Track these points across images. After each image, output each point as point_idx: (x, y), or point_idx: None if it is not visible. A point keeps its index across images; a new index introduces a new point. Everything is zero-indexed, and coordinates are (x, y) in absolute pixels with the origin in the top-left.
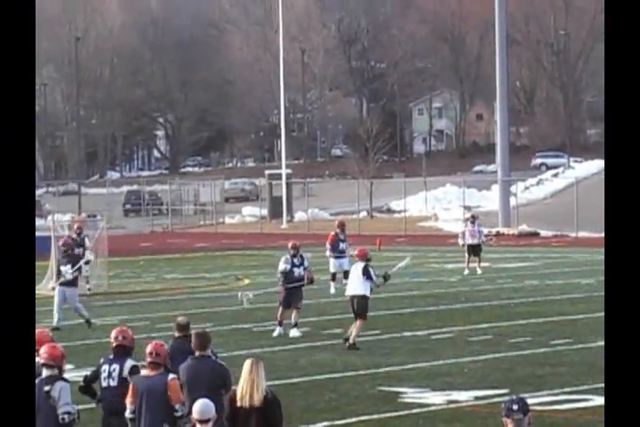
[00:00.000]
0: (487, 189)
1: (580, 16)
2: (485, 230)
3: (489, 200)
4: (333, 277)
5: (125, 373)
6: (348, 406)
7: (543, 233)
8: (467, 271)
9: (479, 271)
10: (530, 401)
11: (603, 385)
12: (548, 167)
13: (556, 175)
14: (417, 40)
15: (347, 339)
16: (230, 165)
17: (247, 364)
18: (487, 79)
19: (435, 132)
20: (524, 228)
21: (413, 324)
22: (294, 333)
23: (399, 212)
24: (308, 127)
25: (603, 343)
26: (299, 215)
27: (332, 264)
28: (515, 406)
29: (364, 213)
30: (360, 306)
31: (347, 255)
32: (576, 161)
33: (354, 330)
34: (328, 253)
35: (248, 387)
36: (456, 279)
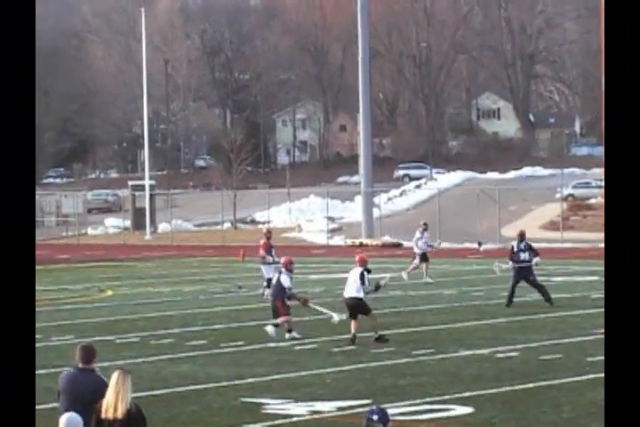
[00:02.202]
0: (351, 201)
1: (442, 29)
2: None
3: (352, 211)
4: (269, 283)
5: None
6: (211, 417)
7: (406, 244)
8: (429, 279)
9: (429, 280)
10: (391, 411)
11: (464, 395)
12: (411, 178)
13: (418, 186)
14: (280, 51)
15: (353, 339)
16: (93, 175)
17: (115, 375)
18: (350, 91)
19: (298, 143)
20: (388, 239)
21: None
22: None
23: (263, 223)
24: (172, 138)
25: (465, 353)
26: (162, 227)
27: (269, 270)
28: (374, 417)
29: (227, 225)
30: (359, 307)
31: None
32: (438, 172)
33: (371, 322)
34: (271, 259)
35: (113, 399)
36: (320, 290)
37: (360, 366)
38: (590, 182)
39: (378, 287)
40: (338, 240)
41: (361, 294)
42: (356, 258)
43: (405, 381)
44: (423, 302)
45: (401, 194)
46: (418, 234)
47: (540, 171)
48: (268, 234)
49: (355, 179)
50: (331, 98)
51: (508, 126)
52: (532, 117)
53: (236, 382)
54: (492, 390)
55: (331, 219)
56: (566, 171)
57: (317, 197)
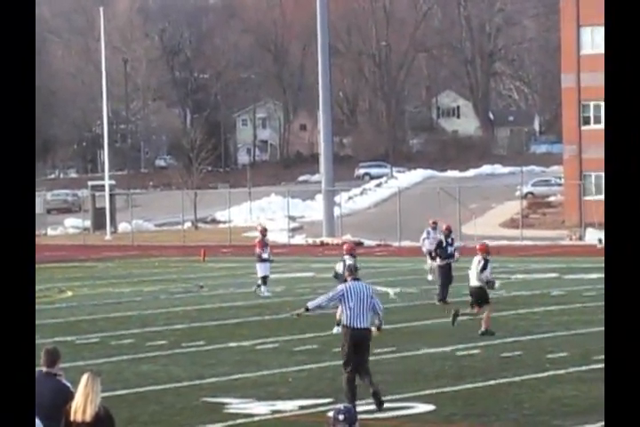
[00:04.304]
0: (311, 199)
1: (401, 28)
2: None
3: (313, 210)
4: (264, 280)
5: None
6: (173, 417)
7: (367, 242)
8: (430, 277)
9: (429, 277)
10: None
11: (425, 392)
12: (372, 177)
13: (379, 185)
14: (240, 50)
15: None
16: (52, 176)
17: (84, 378)
18: (310, 89)
19: (259, 142)
20: (349, 237)
21: (238, 334)
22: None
23: (224, 222)
24: (132, 138)
25: (426, 351)
26: (122, 227)
27: (263, 268)
28: (340, 417)
29: (188, 224)
30: (482, 295)
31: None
32: (399, 171)
33: (488, 313)
34: (267, 256)
35: (82, 401)
36: (281, 289)
37: (322, 365)
38: (550, 180)
39: (491, 284)
40: (299, 239)
41: (482, 283)
42: (478, 246)
43: None
44: (384, 300)
45: (362, 193)
46: (424, 233)
47: (499, 169)
48: (264, 232)
49: (315, 178)
50: (291, 97)
51: (467, 125)
52: (491, 116)
53: (198, 381)
54: (453, 387)
55: (291, 218)
56: (526, 169)
57: (278, 197)
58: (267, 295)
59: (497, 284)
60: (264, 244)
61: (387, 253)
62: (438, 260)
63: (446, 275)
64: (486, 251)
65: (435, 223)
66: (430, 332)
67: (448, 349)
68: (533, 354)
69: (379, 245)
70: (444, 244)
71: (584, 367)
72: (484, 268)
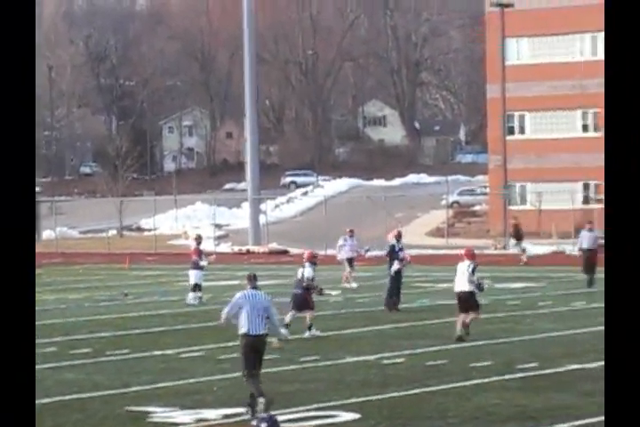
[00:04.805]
0: (237, 207)
1: (328, 36)
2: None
3: (239, 218)
4: (197, 287)
5: None
6: (96, 426)
7: (293, 251)
8: (354, 285)
9: (354, 285)
10: (279, 418)
11: (350, 401)
12: (298, 186)
13: (305, 194)
14: (167, 57)
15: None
16: None
17: None
18: (237, 97)
19: (185, 150)
20: (275, 246)
21: (163, 342)
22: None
23: (149, 230)
24: (56, 145)
25: (351, 359)
26: (47, 234)
27: (197, 276)
28: (263, 425)
29: (113, 232)
30: (470, 301)
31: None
32: (325, 180)
33: (473, 317)
34: (204, 264)
35: None
36: (207, 297)
37: None
38: (475, 189)
39: (481, 286)
40: (225, 247)
41: (471, 288)
42: (464, 252)
43: (292, 387)
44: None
45: (288, 201)
46: (341, 241)
47: (425, 178)
48: (199, 239)
49: (241, 186)
50: (217, 104)
51: (393, 134)
52: (417, 125)
53: (122, 390)
54: (378, 396)
55: (217, 226)
56: (451, 178)
57: (204, 204)
58: (193, 303)
59: (486, 285)
60: (200, 251)
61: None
62: (396, 263)
63: (398, 280)
64: (473, 256)
65: (351, 231)
66: (355, 340)
67: (373, 357)
68: (458, 363)
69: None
70: (396, 248)
71: (507, 376)
72: (473, 272)
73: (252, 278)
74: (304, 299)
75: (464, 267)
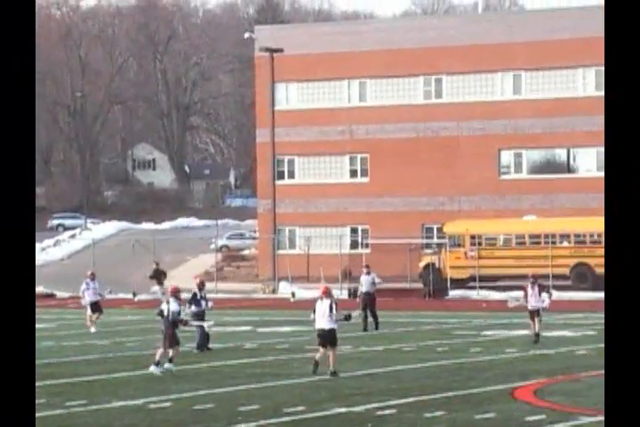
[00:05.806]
0: None
1: (97, 79)
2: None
3: None
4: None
5: None
6: None
7: (59, 294)
8: (93, 329)
9: (93, 330)
10: None
11: None
12: (66, 228)
13: (73, 236)
14: None
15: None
16: None
17: None
18: None
19: None
20: (42, 289)
21: None
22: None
23: None
24: None
25: (118, 404)
26: None
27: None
28: None
29: None
30: (332, 338)
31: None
32: (93, 222)
33: (332, 360)
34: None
35: None
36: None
37: None
38: (244, 233)
39: (347, 319)
40: None
41: (334, 325)
42: (322, 289)
43: None
44: (76, 352)
45: (55, 244)
46: (84, 285)
47: (194, 222)
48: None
49: None
50: None
51: (163, 177)
52: (187, 169)
53: None
54: None
55: None
56: (221, 222)
57: None
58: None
59: (354, 313)
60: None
61: (79, 306)
62: (194, 307)
63: (199, 327)
64: (330, 293)
65: (93, 274)
66: (123, 384)
67: (140, 402)
68: (225, 406)
69: (72, 297)
70: (198, 296)
71: (274, 420)
72: (331, 308)
73: None
74: (172, 334)
75: (325, 305)
